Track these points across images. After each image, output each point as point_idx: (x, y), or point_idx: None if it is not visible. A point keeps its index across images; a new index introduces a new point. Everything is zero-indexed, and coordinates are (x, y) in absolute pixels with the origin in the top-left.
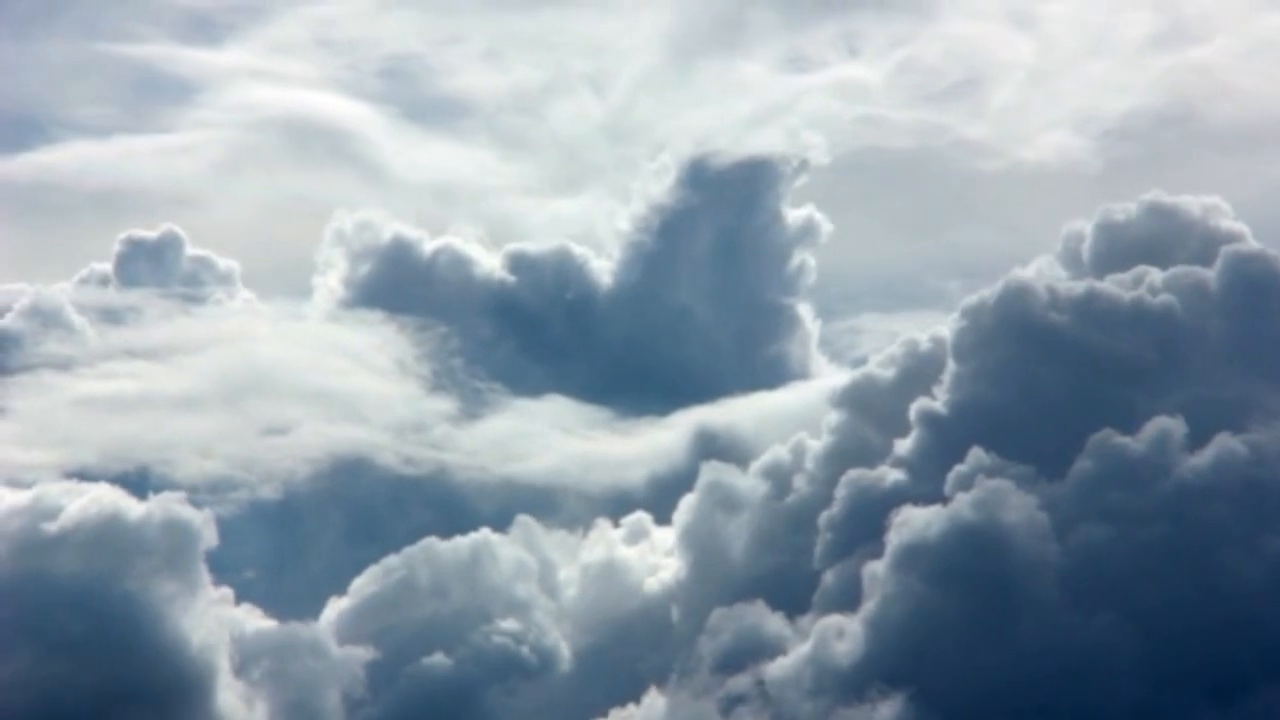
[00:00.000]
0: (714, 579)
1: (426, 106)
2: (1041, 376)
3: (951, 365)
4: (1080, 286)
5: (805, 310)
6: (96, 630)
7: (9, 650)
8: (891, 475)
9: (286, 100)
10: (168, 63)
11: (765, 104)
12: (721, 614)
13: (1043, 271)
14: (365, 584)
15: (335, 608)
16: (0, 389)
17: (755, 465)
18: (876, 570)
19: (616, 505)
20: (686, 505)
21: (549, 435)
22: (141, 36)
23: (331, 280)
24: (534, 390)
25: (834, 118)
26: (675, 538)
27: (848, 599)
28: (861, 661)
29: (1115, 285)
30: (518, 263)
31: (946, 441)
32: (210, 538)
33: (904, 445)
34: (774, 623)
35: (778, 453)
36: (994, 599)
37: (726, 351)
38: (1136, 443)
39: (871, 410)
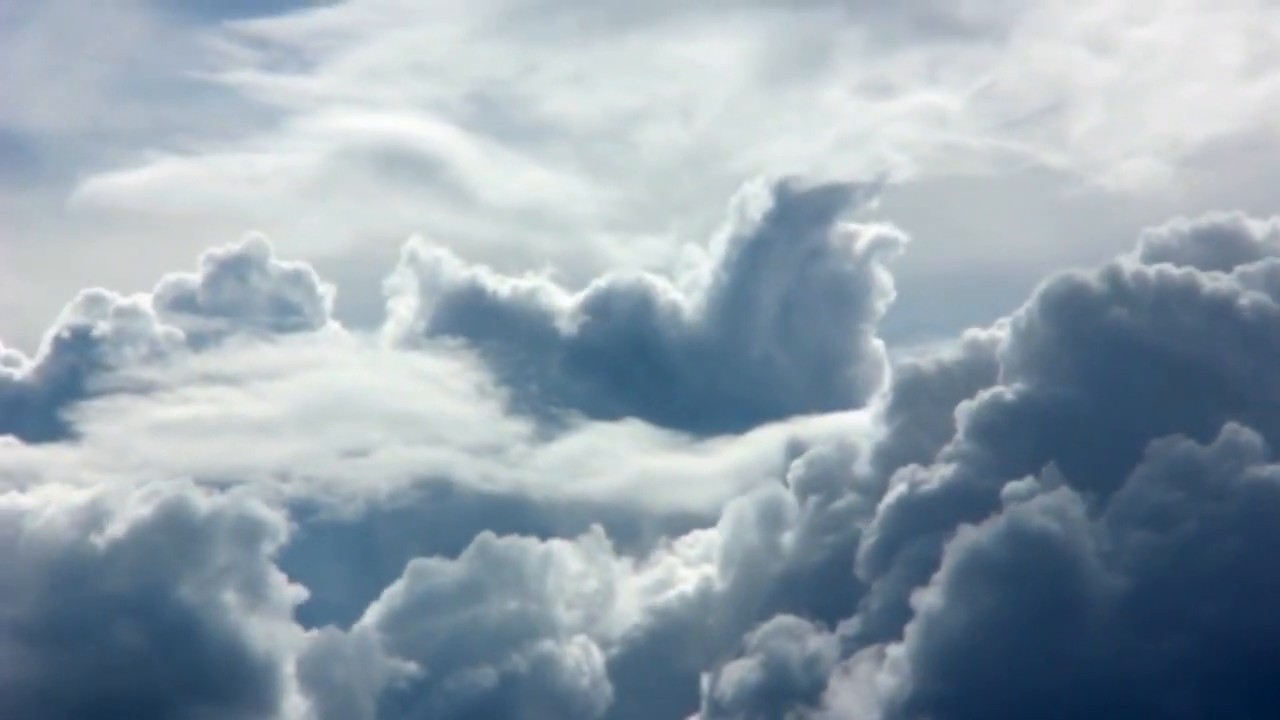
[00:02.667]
0: (751, 589)
1: (516, 131)
2: (1103, 377)
3: (1002, 375)
4: (1150, 276)
5: (883, 335)
6: (157, 624)
7: (78, 636)
8: (942, 471)
9: (376, 125)
10: (258, 90)
11: (846, 131)
12: (758, 631)
13: None
14: (409, 585)
15: (376, 610)
16: (78, 413)
17: (797, 463)
18: (927, 594)
19: (693, 522)
20: (731, 512)
21: (626, 454)
22: (233, 65)
23: (406, 306)
24: (612, 415)
25: (914, 145)
26: (718, 547)
27: (893, 607)
28: (911, 690)
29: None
30: (598, 296)
31: (998, 446)
32: (281, 535)
33: (952, 448)
34: (814, 640)
35: (821, 451)
36: (1050, 617)
37: (806, 377)
38: (1206, 451)
39: (927, 408)
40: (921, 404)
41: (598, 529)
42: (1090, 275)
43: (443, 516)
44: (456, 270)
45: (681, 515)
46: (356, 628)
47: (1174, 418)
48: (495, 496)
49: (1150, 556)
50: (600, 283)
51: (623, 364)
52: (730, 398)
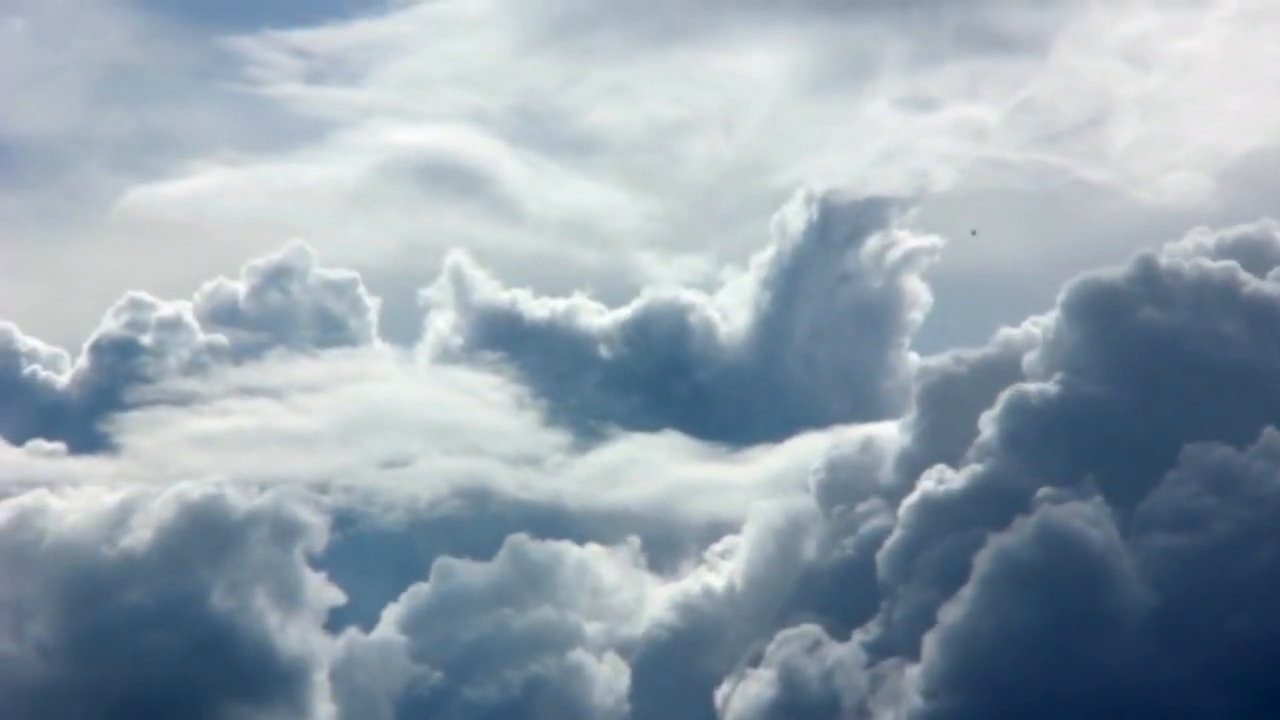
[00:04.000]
0: (771, 593)
1: (559, 143)
2: (1134, 377)
3: (1032, 374)
4: (1189, 271)
5: (919, 347)
6: (190, 624)
7: (112, 635)
8: (968, 472)
9: (420, 137)
10: (304, 102)
11: (886, 144)
12: (775, 640)
13: None
14: (435, 585)
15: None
16: (115, 423)
17: (817, 466)
18: (953, 605)
19: (728, 530)
20: (755, 516)
21: (664, 464)
22: (279, 76)
23: (445, 321)
24: (650, 428)
25: (953, 158)
26: (741, 550)
27: (914, 612)
28: (933, 704)
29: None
30: (637, 313)
31: (1024, 447)
32: (320, 537)
33: (978, 450)
34: (832, 650)
35: (844, 454)
36: (1079, 624)
37: (845, 391)
38: (1244, 456)
39: (952, 410)
40: (946, 405)
41: (634, 541)
42: (1121, 271)
43: (481, 525)
44: (495, 292)
45: (718, 524)
46: (377, 633)
47: (1210, 421)
48: (533, 505)
49: (1182, 563)
50: (640, 300)
51: (661, 380)
52: (769, 412)
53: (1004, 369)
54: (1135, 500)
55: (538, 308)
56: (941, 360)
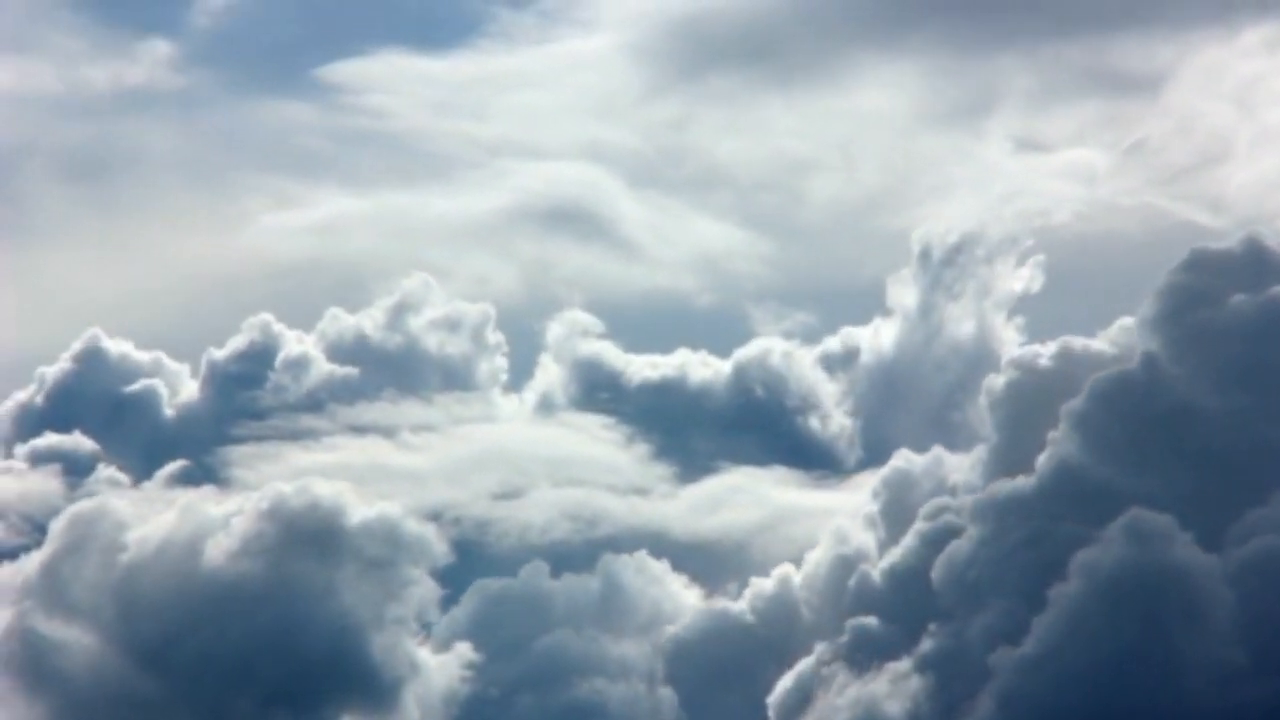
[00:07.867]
0: (836, 607)
1: (682, 181)
2: (1237, 376)
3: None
4: None
5: None
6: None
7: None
8: (1034, 485)
9: (543, 173)
10: (429, 138)
11: (1000, 186)
12: (824, 669)
13: None
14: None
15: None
16: (222, 457)
17: (877, 485)
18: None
19: None
20: (830, 535)
21: (770, 491)
22: (406, 107)
23: (557, 376)
24: (758, 463)
25: (1065, 201)
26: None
27: (973, 629)
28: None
29: None
30: (745, 363)
31: (1097, 459)
32: (437, 555)
33: (1045, 464)
34: (879, 681)
35: (911, 465)
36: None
37: (953, 430)
38: None
39: (1026, 420)
40: (1022, 411)
41: (732, 589)
42: (1224, 250)
43: (590, 550)
44: (608, 353)
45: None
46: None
47: None
48: (641, 530)
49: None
50: (748, 350)
51: (767, 424)
52: (875, 450)
53: (1078, 375)
54: (1227, 513)
55: (648, 368)
56: (1005, 371)
